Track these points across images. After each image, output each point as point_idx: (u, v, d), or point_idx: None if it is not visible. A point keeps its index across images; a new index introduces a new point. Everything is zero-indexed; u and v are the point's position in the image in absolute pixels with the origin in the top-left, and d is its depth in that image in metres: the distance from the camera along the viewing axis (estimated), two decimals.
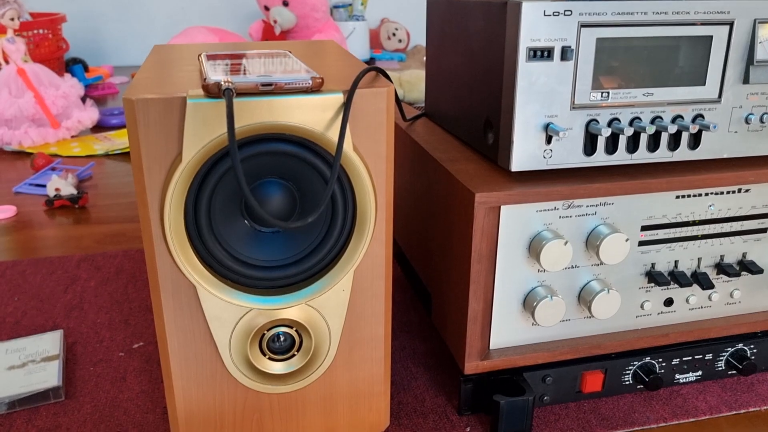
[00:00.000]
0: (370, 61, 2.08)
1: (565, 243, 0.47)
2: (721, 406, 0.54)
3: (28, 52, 1.35)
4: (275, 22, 1.65)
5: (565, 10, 0.43)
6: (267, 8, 1.67)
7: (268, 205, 0.42)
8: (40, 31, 1.48)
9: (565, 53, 0.44)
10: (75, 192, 0.99)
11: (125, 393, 0.55)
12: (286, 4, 1.63)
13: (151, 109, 0.38)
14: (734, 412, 0.54)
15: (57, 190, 0.98)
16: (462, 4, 0.53)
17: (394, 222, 0.72)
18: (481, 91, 0.51)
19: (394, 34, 2.22)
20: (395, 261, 0.77)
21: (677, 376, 0.56)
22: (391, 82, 0.43)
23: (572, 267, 0.50)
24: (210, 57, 0.47)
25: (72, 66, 1.73)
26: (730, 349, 0.57)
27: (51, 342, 0.60)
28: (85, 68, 1.83)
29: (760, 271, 0.53)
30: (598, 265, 0.51)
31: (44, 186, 1.02)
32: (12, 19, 1.20)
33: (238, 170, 0.35)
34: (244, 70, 0.41)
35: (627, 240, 0.48)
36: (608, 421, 0.52)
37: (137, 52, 2.12)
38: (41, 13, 1.59)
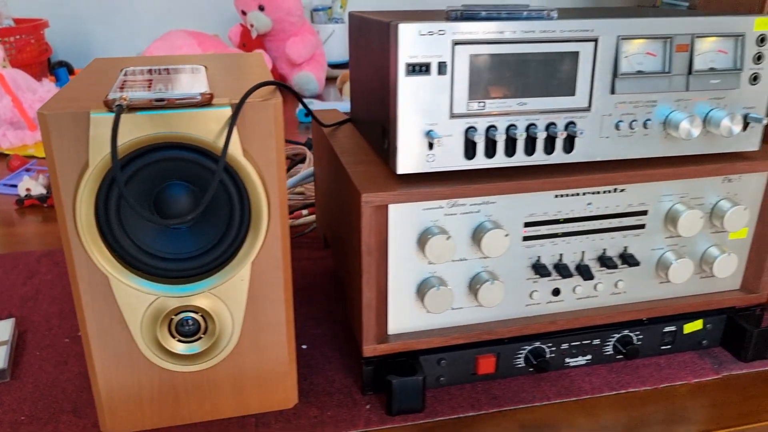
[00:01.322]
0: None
1: (447, 238, 0.53)
2: (604, 387, 0.59)
3: (12, 57, 1.40)
4: (252, 26, 1.71)
5: (439, 30, 0.49)
6: (244, 12, 1.73)
7: (173, 205, 0.47)
8: (23, 36, 1.54)
9: (441, 68, 0.50)
10: (45, 192, 1.04)
11: (65, 374, 0.61)
12: (262, 8, 1.69)
13: (61, 122, 0.43)
14: (615, 392, 0.59)
15: (28, 190, 1.03)
16: (367, 21, 0.59)
17: (324, 220, 0.77)
18: (379, 101, 0.56)
19: None
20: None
21: (567, 359, 0.62)
22: (297, 96, 0.48)
23: (461, 260, 0.55)
24: (129, 73, 0.52)
25: (57, 69, 1.79)
26: (617, 335, 0.62)
27: (2, 329, 0.66)
28: (70, 71, 1.89)
29: (637, 263, 0.59)
30: (485, 258, 0.56)
31: (17, 186, 1.08)
32: None
33: (118, 176, 0.41)
34: (149, 86, 0.47)
35: (507, 235, 0.54)
36: (497, 400, 0.57)
37: (125, 53, 2.18)
38: (25, 19, 1.64)
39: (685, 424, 0.55)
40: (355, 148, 0.63)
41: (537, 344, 0.60)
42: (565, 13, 0.57)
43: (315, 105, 1.59)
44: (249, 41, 1.75)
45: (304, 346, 0.65)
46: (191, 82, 0.48)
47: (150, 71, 0.53)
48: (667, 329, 0.63)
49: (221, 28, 2.10)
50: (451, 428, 0.54)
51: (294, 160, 1.10)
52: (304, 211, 0.92)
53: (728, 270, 0.61)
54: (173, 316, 0.49)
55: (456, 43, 0.49)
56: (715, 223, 0.60)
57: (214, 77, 0.54)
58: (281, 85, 0.51)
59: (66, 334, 0.67)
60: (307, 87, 1.75)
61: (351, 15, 0.67)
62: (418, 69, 0.49)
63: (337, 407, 0.56)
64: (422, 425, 0.55)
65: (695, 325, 0.63)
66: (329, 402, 0.57)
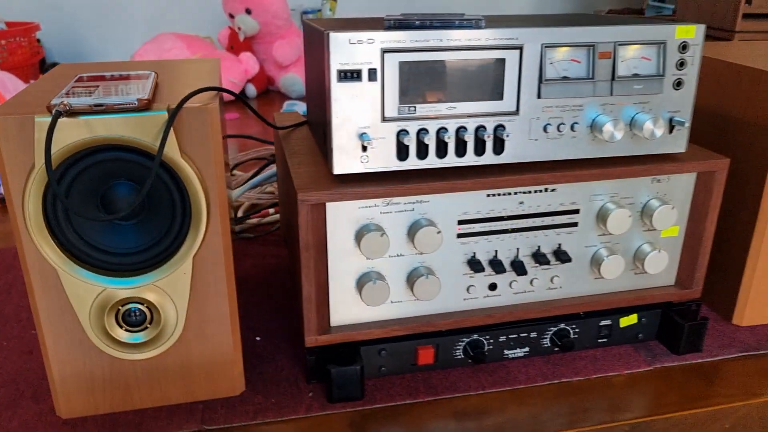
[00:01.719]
0: None
1: (382, 235, 0.56)
2: (538, 377, 0.62)
3: (3, 59, 1.44)
4: (239, 29, 1.74)
5: (368, 39, 0.52)
6: (232, 16, 1.76)
7: (118, 203, 0.50)
8: (15, 39, 1.58)
9: (372, 74, 0.53)
10: None
11: (29, 364, 0.64)
12: (249, 11, 1.72)
13: (9, 125, 0.47)
14: (549, 382, 0.62)
15: None
16: (312, 29, 0.62)
17: (282, 219, 0.80)
18: (321, 105, 0.59)
19: None
20: None
21: (506, 351, 0.64)
22: (242, 100, 0.51)
23: (398, 255, 0.58)
24: (80, 79, 0.55)
25: (48, 71, 1.83)
26: (554, 329, 0.65)
27: None
28: None
29: (569, 260, 0.61)
30: (422, 254, 0.59)
31: None
32: None
33: (51, 176, 0.44)
34: (92, 92, 0.50)
35: (438, 232, 0.57)
36: (434, 389, 0.60)
37: (118, 55, 2.22)
38: (17, 22, 1.69)
39: (613, 412, 0.58)
40: (305, 149, 0.66)
41: (475, 336, 0.63)
42: (498, 22, 0.59)
43: (300, 107, 1.63)
44: (237, 43, 1.78)
45: (258, 338, 0.68)
46: (136, 88, 0.51)
47: (101, 77, 0.56)
48: (603, 323, 0.66)
49: (213, 31, 2.14)
50: (387, 415, 0.58)
51: (270, 161, 1.13)
52: (271, 210, 0.95)
53: (659, 266, 0.63)
54: (120, 307, 0.53)
55: (385, 51, 0.52)
56: (645, 222, 0.62)
57: (164, 83, 0.58)
58: (228, 91, 0.54)
59: (33, 327, 0.71)
60: (293, 88, 1.79)
61: (303, 22, 0.70)
62: (350, 75, 0.52)
63: (282, 395, 0.60)
64: (360, 412, 0.58)
65: (630, 320, 0.66)
66: (275, 390, 0.60)
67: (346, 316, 0.60)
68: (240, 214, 0.97)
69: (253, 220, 0.94)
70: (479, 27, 0.54)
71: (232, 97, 1.49)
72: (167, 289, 0.53)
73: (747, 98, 0.67)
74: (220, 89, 0.54)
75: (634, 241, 0.64)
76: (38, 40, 2.12)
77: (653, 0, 2.03)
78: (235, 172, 1.11)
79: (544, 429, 0.56)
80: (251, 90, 1.79)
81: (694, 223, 0.64)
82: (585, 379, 0.62)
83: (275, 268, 0.84)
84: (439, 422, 0.57)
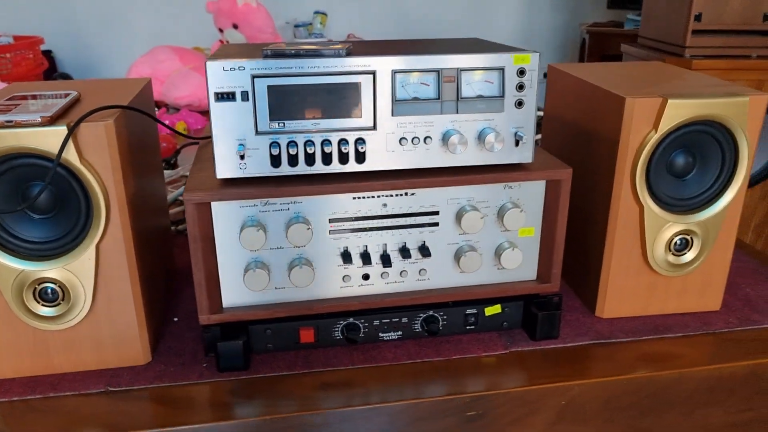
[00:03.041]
0: None
1: (258, 230, 0.66)
2: (404, 357, 0.72)
3: (8, 70, 1.59)
4: (227, 42, 1.87)
5: (239, 66, 0.62)
6: (221, 30, 1.89)
7: (37, 202, 0.62)
8: (21, 52, 1.73)
9: (244, 96, 0.63)
10: None
11: None
12: (236, 26, 1.85)
13: None
14: (412, 361, 0.71)
15: None
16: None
17: None
18: None
19: None
20: None
21: (381, 334, 0.74)
22: (148, 115, 0.62)
23: (278, 248, 0.69)
24: (12, 97, 0.67)
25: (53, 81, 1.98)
26: (423, 315, 0.74)
27: None
28: None
29: (429, 255, 0.71)
30: (299, 247, 0.69)
31: None
32: None
33: None
34: (11, 110, 0.61)
35: (308, 229, 0.67)
36: (310, 364, 0.70)
37: (123, 65, 2.37)
38: (23, 36, 1.84)
39: (460, 386, 0.67)
40: (209, 157, 0.77)
41: (351, 320, 0.73)
42: (360, 51, 0.69)
43: None
44: None
45: (175, 319, 0.79)
46: (45, 107, 0.63)
47: (28, 96, 0.68)
48: (469, 312, 0.75)
49: (210, 43, 2.27)
50: (264, 384, 0.68)
51: None
52: None
53: (514, 263, 0.72)
54: (36, 286, 0.64)
55: (254, 76, 0.63)
56: (502, 223, 0.72)
57: (84, 100, 0.69)
58: (134, 109, 0.66)
59: None
60: None
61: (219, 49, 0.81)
62: (225, 96, 0.63)
63: (181, 365, 0.70)
64: (242, 380, 0.68)
65: (495, 309, 0.75)
66: (176, 361, 0.71)
67: (237, 299, 0.70)
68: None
69: None
70: (340, 56, 0.65)
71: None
72: (75, 271, 0.64)
73: (598, 114, 0.75)
74: (130, 108, 0.65)
75: (494, 239, 0.73)
76: (50, 52, 2.29)
77: (632, 14, 2.10)
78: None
79: (393, 397, 0.66)
80: None
81: (548, 225, 0.73)
82: (445, 360, 0.72)
83: None
84: (308, 391, 0.67)
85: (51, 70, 2.27)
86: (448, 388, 0.67)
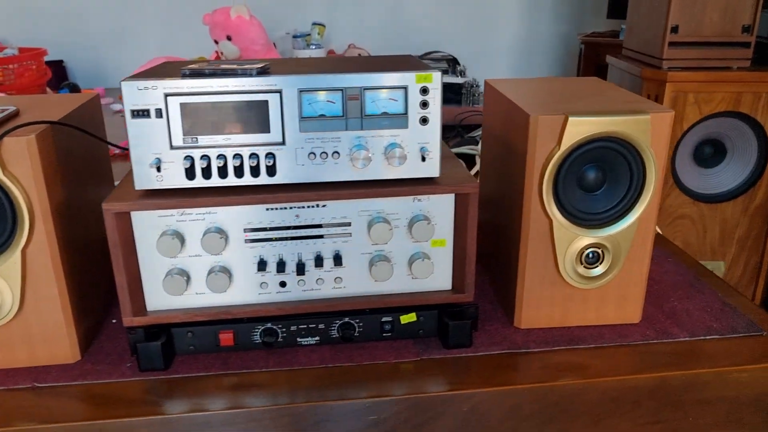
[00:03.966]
0: None
1: (173, 238, 0.70)
2: (317, 362, 0.75)
3: (11, 81, 1.68)
4: (222, 54, 1.93)
5: (152, 86, 0.67)
6: (216, 42, 1.96)
7: None
8: (25, 63, 1.82)
9: (158, 113, 0.67)
10: None
11: None
12: (229, 38, 1.91)
13: None
14: (324, 366, 0.74)
15: None
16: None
17: None
18: None
19: None
20: None
21: (299, 339, 0.77)
22: (74, 127, 0.67)
23: (197, 255, 0.73)
24: None
25: (60, 90, 2.07)
26: (339, 322, 0.77)
27: None
28: (77, 91, 2.17)
29: (343, 264, 0.74)
30: (218, 255, 0.73)
31: None
32: None
33: None
34: None
35: (221, 238, 0.71)
36: (227, 366, 0.74)
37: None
38: (28, 48, 1.93)
39: (362, 390, 0.70)
40: None
41: (269, 325, 0.76)
42: (272, 70, 0.73)
43: None
44: None
45: (114, 321, 0.84)
46: None
47: None
48: (384, 319, 0.78)
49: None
50: (180, 384, 0.72)
51: None
52: None
53: (426, 273, 0.75)
54: None
55: (167, 95, 0.67)
56: (412, 234, 0.74)
57: (23, 115, 0.74)
58: (63, 123, 0.71)
59: None
60: None
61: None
62: (140, 113, 0.67)
63: (107, 364, 0.75)
64: (160, 380, 0.72)
65: (410, 317, 0.78)
66: (104, 360, 0.76)
67: (160, 302, 0.74)
68: None
69: None
70: (251, 75, 0.68)
71: None
72: (3, 274, 0.69)
73: (512, 129, 0.78)
74: (43, 122, 0.70)
75: (407, 250, 0.76)
76: (62, 62, 2.39)
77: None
78: None
79: (299, 399, 0.69)
80: None
81: (459, 237, 0.76)
82: (357, 365, 0.75)
83: None
84: (218, 391, 0.71)
85: (62, 79, 2.37)
86: (353, 393, 0.70)
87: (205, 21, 1.95)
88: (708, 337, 0.79)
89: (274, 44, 2.26)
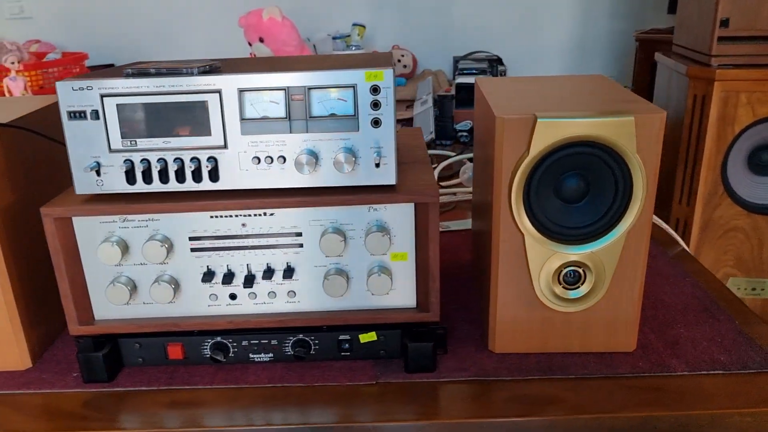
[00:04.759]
0: None
1: (113, 245, 0.67)
2: (265, 380, 0.70)
3: (53, 83, 1.73)
4: (255, 56, 1.92)
5: (87, 86, 0.64)
6: (250, 44, 1.95)
7: None
8: (67, 66, 1.88)
9: (94, 114, 0.64)
10: None
11: None
12: (262, 40, 1.90)
13: None
14: (272, 385, 0.69)
15: None
16: None
17: None
18: None
19: (399, 60, 2.40)
20: None
21: (251, 355, 0.73)
22: (31, 131, 0.66)
23: (141, 264, 0.69)
24: None
25: None
26: (293, 338, 0.72)
27: None
28: None
29: (293, 277, 0.69)
30: (163, 263, 0.69)
31: None
32: (12, 63, 1.58)
33: None
34: None
35: (162, 246, 0.67)
36: (172, 380, 0.70)
37: None
38: (70, 53, 1.99)
39: (304, 416, 0.65)
40: None
41: (219, 339, 0.72)
42: (230, 67, 0.69)
43: None
44: None
45: None
46: None
47: None
48: (342, 337, 0.72)
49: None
50: (119, 398, 0.69)
51: None
52: None
53: (383, 289, 0.69)
54: None
55: (103, 95, 0.64)
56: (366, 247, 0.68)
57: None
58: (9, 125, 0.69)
59: None
60: None
61: None
62: (77, 115, 0.65)
63: (55, 373, 0.73)
64: (99, 392, 0.69)
65: (370, 336, 0.72)
66: (54, 369, 0.73)
67: (108, 312, 0.71)
68: None
69: None
70: (190, 75, 0.64)
71: None
72: None
73: (488, 132, 0.70)
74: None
75: (365, 264, 0.70)
76: (112, 65, 2.45)
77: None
78: None
79: (236, 420, 0.64)
80: None
81: (421, 251, 0.69)
82: (307, 386, 0.69)
83: None
84: (156, 408, 0.67)
85: None
86: (295, 417, 0.65)
87: (240, 23, 1.95)
88: (711, 372, 0.68)
89: (314, 46, 2.24)
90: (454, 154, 1.46)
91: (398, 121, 1.86)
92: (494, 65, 2.07)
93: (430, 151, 1.43)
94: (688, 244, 1.48)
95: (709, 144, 1.42)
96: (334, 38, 2.24)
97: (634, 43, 2.27)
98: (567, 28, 2.49)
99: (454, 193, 1.20)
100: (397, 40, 2.49)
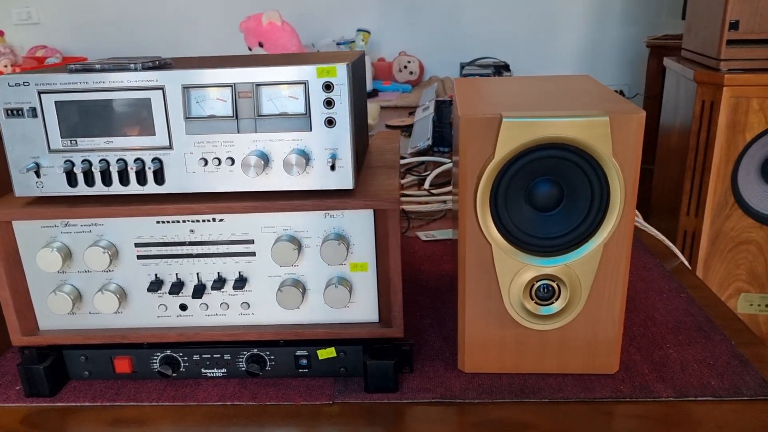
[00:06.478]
0: (372, 93, 2.24)
1: (52, 251, 0.63)
2: (215, 398, 0.65)
3: None
4: None
5: (24, 82, 0.60)
6: (250, 49, 1.92)
7: None
8: None
9: (32, 112, 0.61)
10: None
11: None
12: (261, 45, 1.87)
13: None
14: (221, 403, 0.65)
15: None
16: None
17: None
18: None
19: (405, 67, 2.36)
20: None
21: (203, 370, 0.68)
22: None
23: (86, 271, 0.65)
24: None
25: None
26: (247, 353, 0.67)
27: None
28: None
29: (245, 287, 0.64)
30: (108, 271, 0.65)
31: None
32: (6, 66, 1.57)
33: None
34: None
35: (104, 252, 0.63)
36: (117, 396, 0.66)
37: None
38: (72, 57, 1.98)
39: None
40: None
41: (168, 352, 0.67)
42: (181, 64, 0.65)
43: None
44: None
45: None
46: None
47: None
48: (300, 353, 0.67)
49: None
50: (60, 412, 0.64)
51: None
52: None
53: (341, 302, 0.64)
54: None
55: (41, 92, 0.60)
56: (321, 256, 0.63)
57: None
58: None
59: None
60: None
61: None
62: (14, 113, 0.61)
63: (10, 383, 0.69)
64: (38, 408, 0.65)
65: (329, 353, 0.67)
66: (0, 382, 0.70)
67: (54, 322, 0.67)
68: None
69: None
70: (135, 70, 0.60)
71: None
72: None
73: (456, 134, 0.65)
74: None
75: (323, 274, 0.65)
76: None
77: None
78: None
79: None
80: None
81: (382, 261, 0.64)
82: (256, 405, 0.64)
83: None
84: (97, 426, 0.63)
85: None
86: None
87: (241, 28, 1.92)
88: (699, 398, 0.62)
89: (318, 52, 2.20)
90: (449, 161, 1.40)
91: (400, 127, 1.82)
92: (500, 71, 2.02)
93: (426, 158, 1.38)
94: (696, 257, 1.41)
95: (719, 152, 1.35)
96: (339, 44, 2.20)
97: (646, 50, 2.20)
98: (579, 34, 2.43)
99: (444, 201, 1.15)
100: (405, 46, 2.45)
